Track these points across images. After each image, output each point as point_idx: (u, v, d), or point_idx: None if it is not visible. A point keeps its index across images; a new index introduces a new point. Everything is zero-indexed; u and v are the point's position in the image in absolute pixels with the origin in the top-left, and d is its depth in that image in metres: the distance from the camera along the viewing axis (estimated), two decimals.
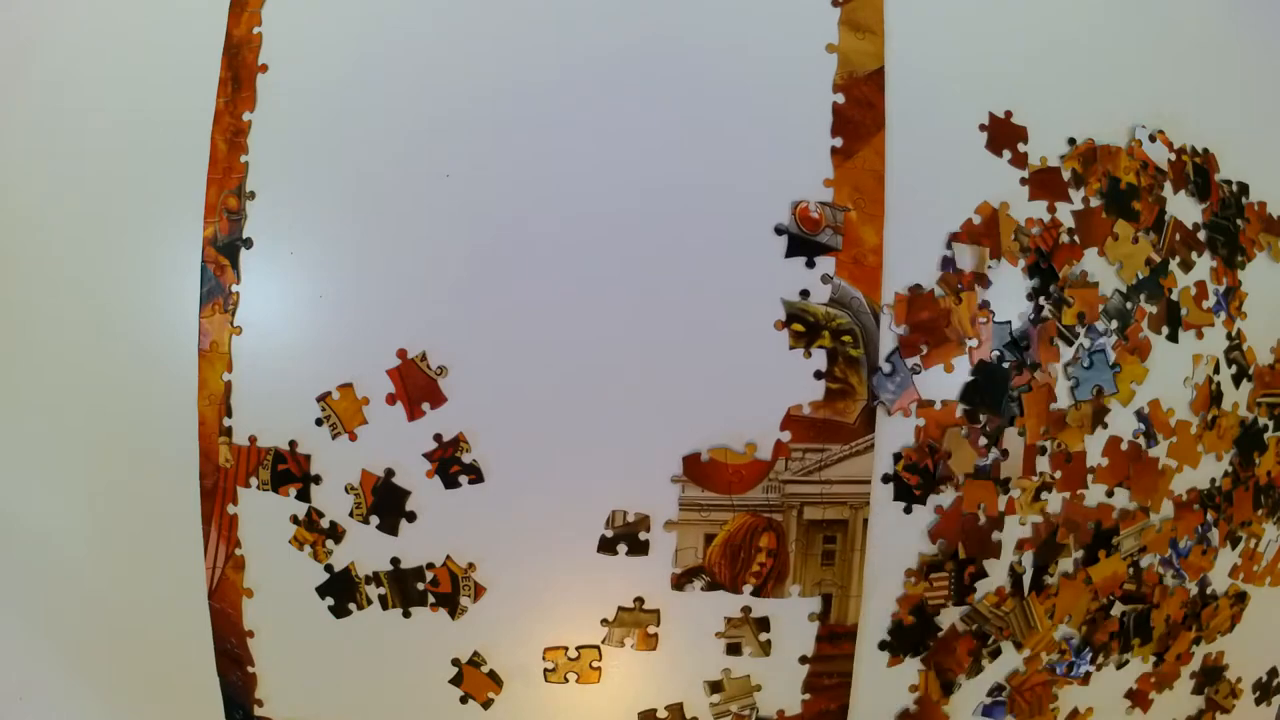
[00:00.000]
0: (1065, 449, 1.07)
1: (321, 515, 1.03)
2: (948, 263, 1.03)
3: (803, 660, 1.04)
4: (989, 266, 1.04)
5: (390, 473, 1.01)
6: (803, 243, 1.00)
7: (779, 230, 1.00)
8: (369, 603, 1.04)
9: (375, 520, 1.02)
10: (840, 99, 1.02)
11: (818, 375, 1.00)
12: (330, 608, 1.04)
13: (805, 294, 1.00)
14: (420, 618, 1.04)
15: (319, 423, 1.02)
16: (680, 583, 1.01)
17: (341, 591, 1.04)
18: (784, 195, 1.00)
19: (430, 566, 1.02)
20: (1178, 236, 1.12)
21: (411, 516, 1.02)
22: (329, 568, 1.04)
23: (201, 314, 1.04)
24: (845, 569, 1.02)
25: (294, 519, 1.04)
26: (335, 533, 1.03)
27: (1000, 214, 1.04)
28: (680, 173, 1.00)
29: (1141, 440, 1.10)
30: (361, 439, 1.02)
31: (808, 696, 1.05)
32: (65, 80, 1.12)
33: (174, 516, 1.06)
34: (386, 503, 1.02)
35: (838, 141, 1.01)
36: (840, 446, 1.00)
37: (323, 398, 1.01)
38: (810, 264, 1.00)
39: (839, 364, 1.00)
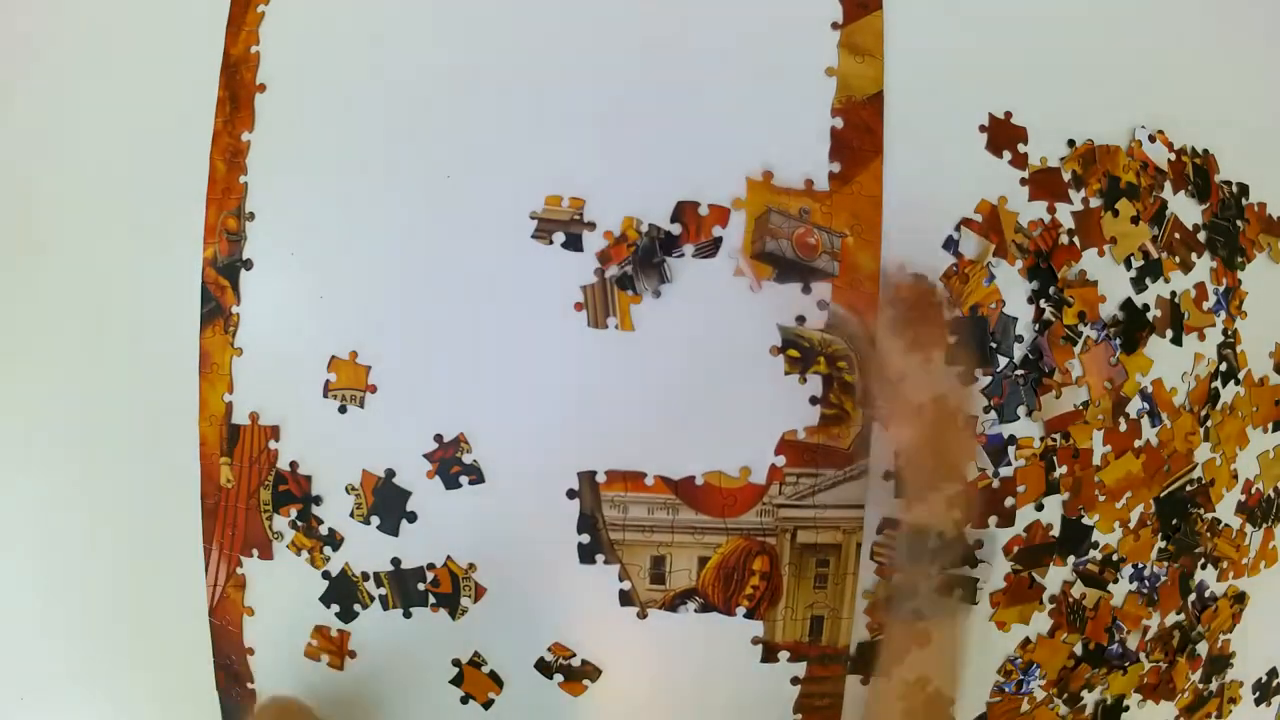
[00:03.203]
0: (1074, 444, 1.08)
1: (321, 522, 1.05)
2: (951, 243, 1.03)
3: (794, 681, 1.05)
4: (989, 263, 1.04)
5: (391, 473, 1.03)
6: (799, 268, 1.00)
7: (774, 256, 1.00)
8: (371, 600, 1.05)
9: (376, 520, 1.03)
10: (839, 123, 1.02)
11: (813, 401, 1.00)
12: (337, 614, 1.06)
13: (801, 319, 1.00)
14: (421, 620, 1.05)
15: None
16: (674, 604, 1.03)
17: (344, 594, 1.05)
18: (780, 220, 1.00)
19: (431, 567, 1.04)
20: (1177, 235, 1.12)
21: (412, 517, 1.03)
22: (326, 574, 1.06)
23: (202, 335, 1.05)
24: (838, 592, 1.04)
25: (293, 524, 1.05)
26: (334, 540, 1.05)
27: (999, 208, 1.04)
28: (676, 194, 1.00)
29: (1146, 420, 1.11)
30: (362, 440, 1.03)
31: (799, 717, 1.06)
32: (63, 101, 1.11)
33: (176, 535, 1.08)
34: (387, 503, 1.03)
35: (836, 166, 1.01)
36: (834, 471, 1.01)
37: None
38: (806, 289, 1.00)
39: (834, 390, 1.00)
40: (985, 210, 1.04)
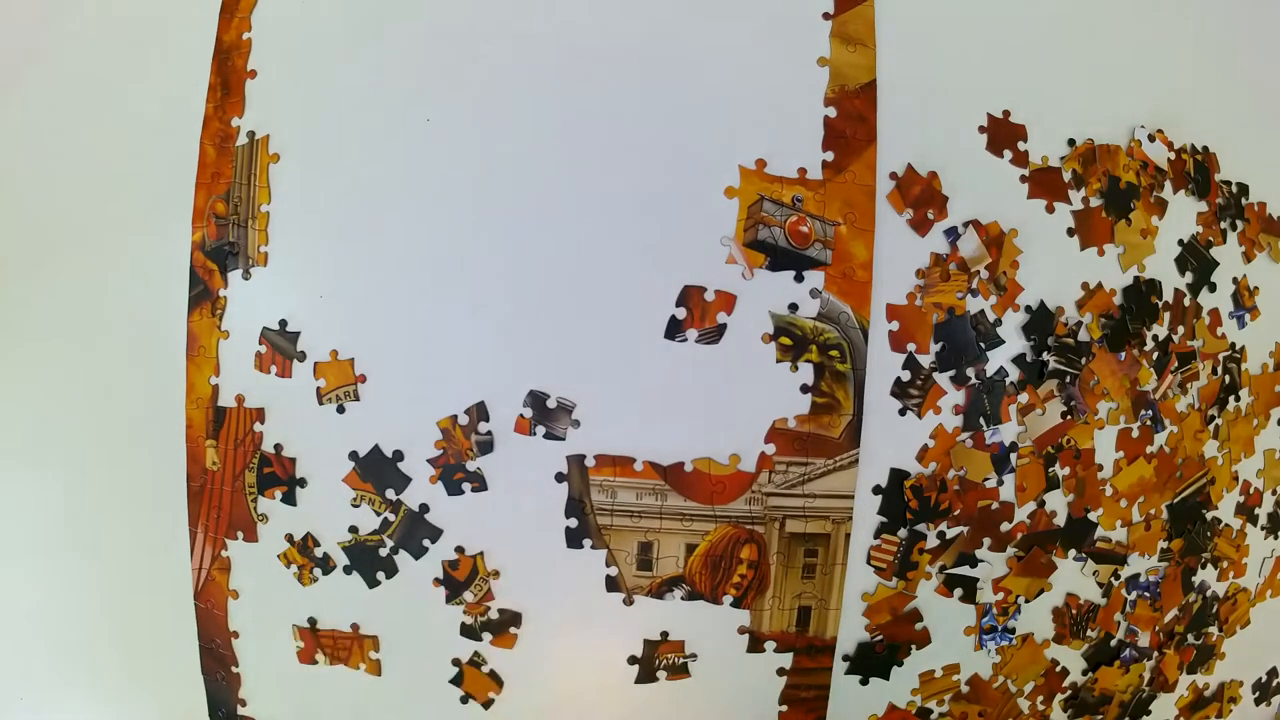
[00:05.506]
0: (1074, 445, 1.07)
1: (318, 544, 1.04)
2: (951, 233, 1.02)
3: (780, 672, 1.04)
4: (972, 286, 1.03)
5: (375, 449, 1.02)
6: (792, 256, 0.99)
7: (768, 244, 0.99)
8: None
9: (391, 493, 1.02)
10: (832, 113, 1.01)
11: (804, 389, 0.99)
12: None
13: (794, 308, 0.99)
14: (418, 614, 1.04)
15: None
16: (660, 591, 1.02)
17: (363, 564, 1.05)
18: (773, 208, 0.99)
19: (460, 551, 1.03)
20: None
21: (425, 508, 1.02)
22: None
23: (189, 318, 1.05)
24: (826, 582, 1.02)
25: (289, 538, 1.05)
26: (326, 565, 1.04)
27: (1006, 241, 1.04)
28: (668, 183, 1.00)
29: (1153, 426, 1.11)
30: (356, 442, 1.02)
31: (785, 709, 1.05)
32: (57, 86, 1.12)
33: (162, 518, 1.08)
34: (380, 473, 1.02)
35: (829, 155, 1.00)
36: (824, 461, 1.00)
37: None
38: (799, 278, 0.99)
39: (826, 378, 0.99)
40: (994, 230, 1.04)
